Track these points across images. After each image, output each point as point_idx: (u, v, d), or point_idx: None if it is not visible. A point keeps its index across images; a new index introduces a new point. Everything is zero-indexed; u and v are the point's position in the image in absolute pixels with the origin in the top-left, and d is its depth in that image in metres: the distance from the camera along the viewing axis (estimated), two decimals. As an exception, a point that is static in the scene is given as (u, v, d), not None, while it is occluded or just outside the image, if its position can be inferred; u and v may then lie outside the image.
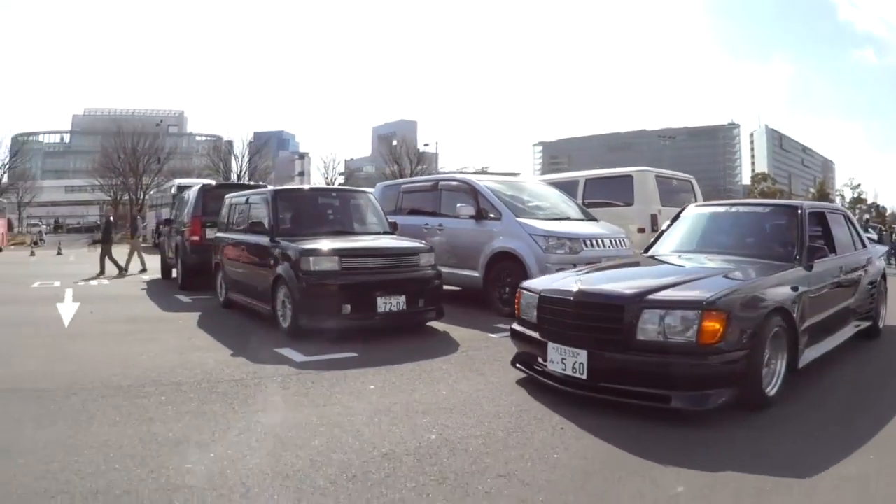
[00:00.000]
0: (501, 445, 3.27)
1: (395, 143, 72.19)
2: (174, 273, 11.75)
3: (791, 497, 2.70)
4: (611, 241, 7.37)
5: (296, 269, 6.01)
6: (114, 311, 8.53)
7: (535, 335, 4.26)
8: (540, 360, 4.24)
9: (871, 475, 2.92)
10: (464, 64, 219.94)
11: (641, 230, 9.12)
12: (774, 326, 3.89)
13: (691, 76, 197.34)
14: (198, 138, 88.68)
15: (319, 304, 5.87)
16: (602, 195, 10.09)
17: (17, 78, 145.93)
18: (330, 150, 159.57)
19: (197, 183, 27.17)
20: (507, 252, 7.35)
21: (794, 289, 4.25)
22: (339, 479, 2.81)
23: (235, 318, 7.45)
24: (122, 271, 14.58)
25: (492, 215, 7.77)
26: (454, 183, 8.85)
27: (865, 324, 5.85)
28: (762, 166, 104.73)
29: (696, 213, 6.08)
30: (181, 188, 24.51)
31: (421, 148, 62.33)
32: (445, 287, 7.03)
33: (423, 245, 6.80)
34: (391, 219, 7.77)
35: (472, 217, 7.95)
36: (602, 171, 11.50)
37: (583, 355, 3.82)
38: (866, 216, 39.66)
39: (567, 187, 9.70)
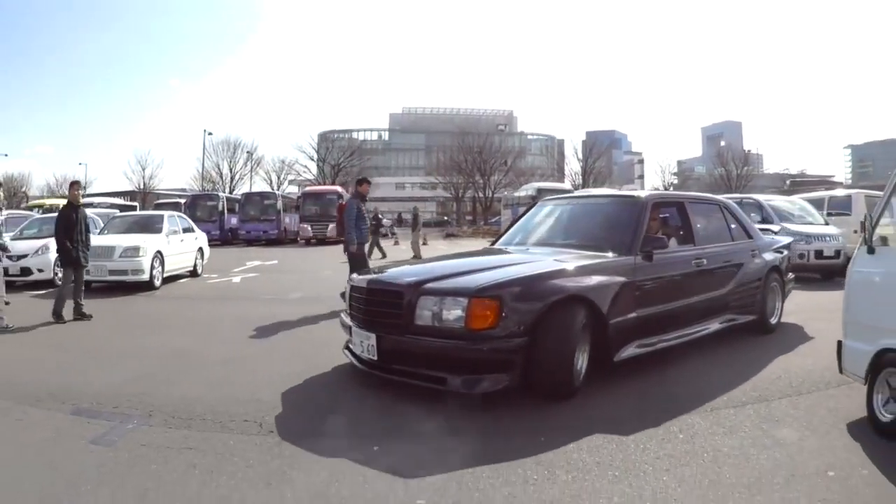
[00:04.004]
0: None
1: (722, 143, 72.78)
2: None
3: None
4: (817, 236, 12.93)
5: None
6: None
7: (348, 321, 4.51)
8: (350, 343, 4.48)
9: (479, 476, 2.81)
10: (784, 63, 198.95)
11: (855, 231, 14.52)
12: (581, 318, 3.90)
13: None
14: (529, 137, 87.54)
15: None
16: (839, 207, 16.06)
17: (324, 79, 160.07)
18: (665, 154, 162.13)
19: (553, 187, 35.12)
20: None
21: (619, 280, 4.24)
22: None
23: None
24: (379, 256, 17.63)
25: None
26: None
27: (744, 318, 5.56)
28: None
29: (547, 206, 5.96)
30: (540, 191, 30.71)
31: (745, 150, 63.78)
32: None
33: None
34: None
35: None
36: (837, 192, 16.59)
37: (373, 338, 4.06)
38: None
39: (817, 202, 15.37)
